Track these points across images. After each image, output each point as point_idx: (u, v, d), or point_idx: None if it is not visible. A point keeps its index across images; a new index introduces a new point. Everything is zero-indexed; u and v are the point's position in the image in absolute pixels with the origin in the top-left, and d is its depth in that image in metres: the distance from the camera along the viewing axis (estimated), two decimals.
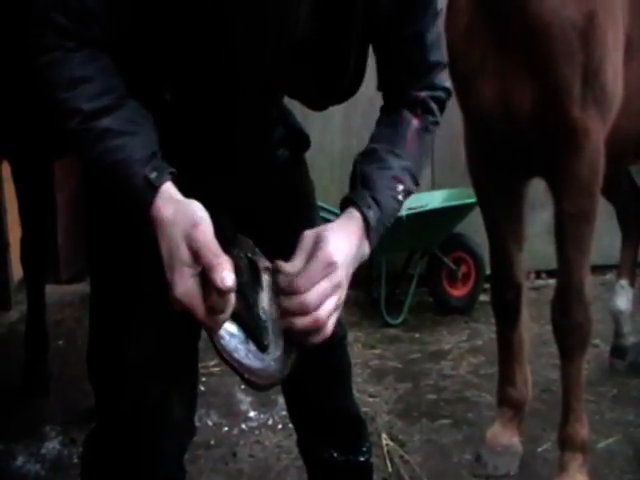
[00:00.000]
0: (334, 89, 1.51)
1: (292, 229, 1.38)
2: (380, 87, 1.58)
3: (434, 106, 1.55)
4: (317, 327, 1.28)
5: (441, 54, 1.54)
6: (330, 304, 1.28)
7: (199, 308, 1.19)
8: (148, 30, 1.33)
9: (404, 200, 1.48)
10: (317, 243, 1.31)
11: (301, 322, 1.27)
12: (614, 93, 2.43)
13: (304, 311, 1.26)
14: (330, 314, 1.29)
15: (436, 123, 1.56)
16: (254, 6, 1.31)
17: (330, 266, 1.28)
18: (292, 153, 1.70)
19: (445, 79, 1.58)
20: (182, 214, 1.22)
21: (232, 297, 1.21)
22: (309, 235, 1.33)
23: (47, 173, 3.42)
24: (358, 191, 1.42)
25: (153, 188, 1.25)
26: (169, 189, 1.26)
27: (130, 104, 1.30)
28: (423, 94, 1.53)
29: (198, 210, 1.24)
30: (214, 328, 1.22)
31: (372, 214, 1.40)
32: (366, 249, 1.40)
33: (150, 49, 1.36)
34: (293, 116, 1.72)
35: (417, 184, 1.51)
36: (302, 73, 1.47)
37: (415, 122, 1.52)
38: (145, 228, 1.27)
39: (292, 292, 1.27)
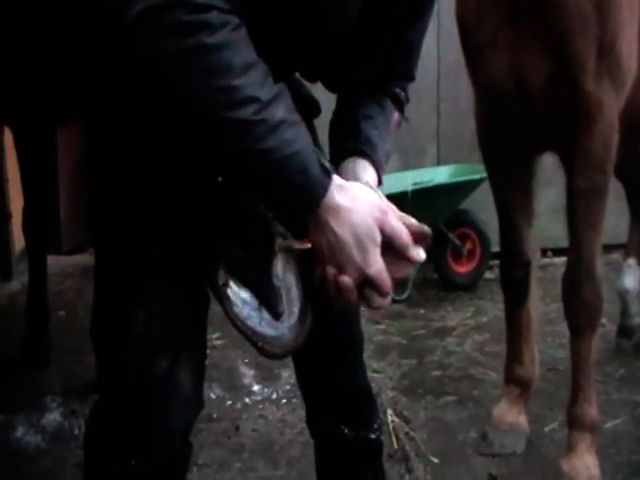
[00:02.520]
0: (357, 73, 1.54)
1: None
2: (361, 76, 1.58)
3: (404, 108, 1.66)
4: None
5: (416, 69, 1.66)
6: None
7: (388, 282, 1.30)
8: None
9: None
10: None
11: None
12: (629, 67, 2.39)
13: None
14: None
15: (402, 123, 1.68)
16: None
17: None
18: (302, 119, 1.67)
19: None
20: (361, 201, 1.29)
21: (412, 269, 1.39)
22: None
23: (49, 142, 3.39)
24: (370, 149, 1.52)
25: (330, 174, 1.27)
26: (337, 177, 1.30)
27: (283, 87, 1.24)
28: (402, 94, 1.64)
29: (375, 196, 1.33)
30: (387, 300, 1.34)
31: (377, 163, 1.52)
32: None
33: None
34: (302, 83, 1.68)
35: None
36: (330, 57, 1.47)
37: (396, 115, 1.62)
38: (165, 199, 1.29)
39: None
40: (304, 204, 1.26)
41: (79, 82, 1.48)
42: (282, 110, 1.20)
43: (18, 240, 4.29)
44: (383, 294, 1.32)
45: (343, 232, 1.27)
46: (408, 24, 1.53)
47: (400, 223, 1.32)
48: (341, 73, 1.54)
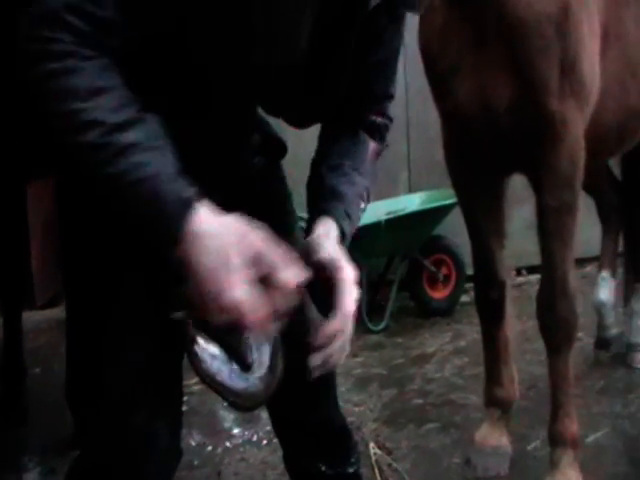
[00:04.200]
0: (322, 110, 1.53)
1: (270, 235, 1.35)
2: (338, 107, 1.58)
3: (385, 134, 1.64)
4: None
5: (395, 86, 1.64)
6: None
7: (252, 313, 1.19)
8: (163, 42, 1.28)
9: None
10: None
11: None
12: (592, 84, 2.42)
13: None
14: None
15: (383, 149, 1.65)
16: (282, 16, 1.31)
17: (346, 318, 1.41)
18: (269, 160, 1.68)
19: (390, 109, 1.66)
20: (226, 226, 1.21)
21: (293, 299, 1.24)
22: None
23: (20, 195, 3.36)
24: (332, 204, 1.48)
25: (189, 204, 1.20)
26: (204, 205, 1.22)
27: (151, 117, 1.23)
28: (379, 120, 1.62)
29: (242, 220, 1.23)
30: (267, 331, 1.26)
31: (346, 226, 1.47)
32: None
33: (155, 60, 1.31)
34: (269, 123, 1.69)
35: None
36: (294, 92, 1.46)
37: (372, 145, 1.60)
38: (130, 250, 1.27)
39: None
40: (165, 230, 1.21)
41: (44, 140, 1.48)
42: (135, 134, 1.19)
43: None
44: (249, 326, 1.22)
45: (202, 259, 1.19)
46: (370, 49, 1.50)
47: (266, 243, 1.22)
48: (305, 108, 1.53)
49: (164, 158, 1.21)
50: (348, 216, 1.48)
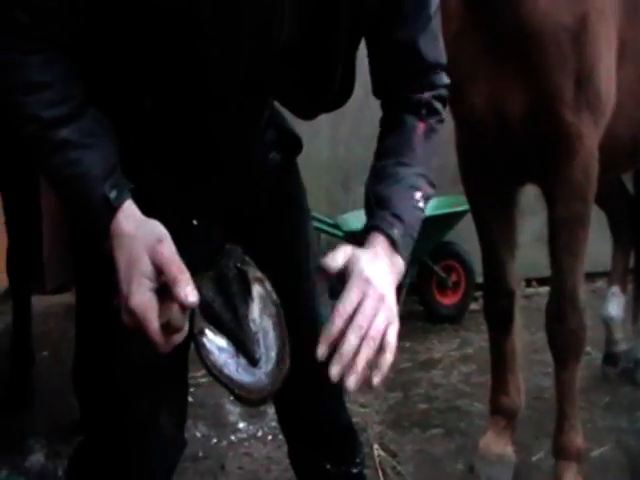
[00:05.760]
0: (322, 97, 1.47)
1: (283, 232, 1.35)
2: (377, 93, 1.55)
3: (438, 105, 1.53)
4: (375, 344, 1.26)
5: (439, 55, 1.53)
6: (380, 321, 1.26)
7: (153, 322, 1.17)
8: (119, 34, 1.28)
9: (425, 205, 1.46)
10: (348, 267, 1.30)
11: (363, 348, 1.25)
12: (607, 97, 2.41)
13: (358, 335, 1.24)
14: (383, 331, 1.27)
15: (441, 121, 1.54)
16: (229, 12, 1.26)
17: (366, 282, 1.28)
18: (284, 156, 1.66)
19: (444, 77, 1.56)
20: (144, 229, 1.22)
21: (187, 317, 1.22)
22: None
23: (33, 181, 3.38)
24: (376, 214, 1.40)
25: (112, 206, 1.23)
26: (130, 206, 1.25)
27: (90, 114, 1.26)
28: (426, 95, 1.51)
29: (160, 227, 1.23)
30: (163, 347, 1.20)
31: (396, 231, 1.38)
32: (399, 263, 1.38)
33: (124, 54, 1.31)
34: (285, 119, 1.67)
35: (433, 186, 1.48)
36: (288, 80, 1.43)
37: (420, 125, 1.49)
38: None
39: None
40: (93, 226, 1.25)
41: None
42: (68, 132, 1.22)
43: (1, 280, 4.26)
44: (150, 337, 1.20)
45: (119, 259, 1.22)
46: (393, 27, 1.43)
47: (175, 256, 1.20)
48: (303, 97, 1.49)
49: (95, 157, 1.24)
50: (397, 218, 1.38)
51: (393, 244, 1.36)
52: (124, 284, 1.19)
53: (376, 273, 1.30)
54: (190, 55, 1.28)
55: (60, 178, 1.24)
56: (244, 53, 1.32)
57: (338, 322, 1.25)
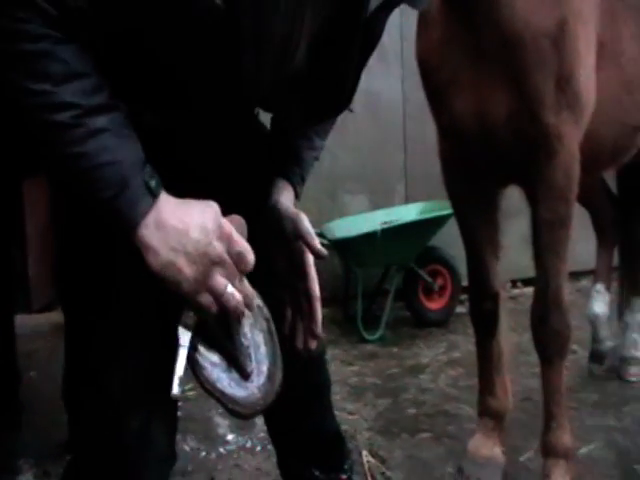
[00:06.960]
0: (323, 116, 1.55)
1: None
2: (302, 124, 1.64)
3: None
4: None
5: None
6: None
7: (232, 298, 1.26)
8: (140, 44, 1.28)
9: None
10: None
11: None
12: (587, 99, 2.43)
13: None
14: None
15: None
16: (265, 34, 1.28)
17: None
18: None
19: None
20: (190, 216, 1.26)
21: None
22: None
23: (15, 197, 3.36)
24: (292, 169, 1.66)
25: (153, 193, 1.24)
26: (167, 197, 1.27)
27: (123, 107, 1.26)
28: None
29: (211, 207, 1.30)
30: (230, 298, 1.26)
31: (300, 189, 1.67)
32: None
33: (141, 65, 1.32)
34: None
35: None
36: (294, 98, 1.46)
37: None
38: (123, 248, 1.25)
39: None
40: (121, 219, 1.24)
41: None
42: (107, 121, 1.21)
43: None
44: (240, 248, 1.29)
45: (160, 247, 1.24)
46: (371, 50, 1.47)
47: (231, 230, 1.28)
48: (302, 115, 1.52)
49: (132, 146, 1.25)
50: (302, 180, 1.66)
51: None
52: (196, 271, 1.24)
53: None
54: (224, 68, 1.31)
55: (90, 165, 1.20)
56: (268, 67, 1.34)
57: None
